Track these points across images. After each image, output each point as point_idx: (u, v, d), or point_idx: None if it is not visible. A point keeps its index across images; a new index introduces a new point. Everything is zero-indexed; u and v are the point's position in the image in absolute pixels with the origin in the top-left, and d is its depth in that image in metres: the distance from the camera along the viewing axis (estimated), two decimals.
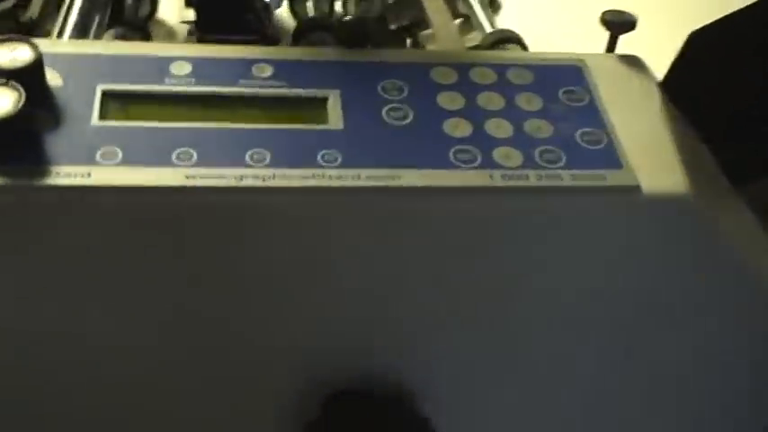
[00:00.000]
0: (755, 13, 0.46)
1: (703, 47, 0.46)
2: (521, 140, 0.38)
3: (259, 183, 0.35)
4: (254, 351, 0.38)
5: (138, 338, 0.37)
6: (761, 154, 0.48)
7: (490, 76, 0.40)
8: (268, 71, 0.39)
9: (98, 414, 0.39)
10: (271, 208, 0.35)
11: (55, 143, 0.34)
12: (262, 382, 0.39)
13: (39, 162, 0.34)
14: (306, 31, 0.51)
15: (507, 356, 0.40)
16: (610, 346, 0.41)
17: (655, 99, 0.42)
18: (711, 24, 0.47)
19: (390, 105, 0.38)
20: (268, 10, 0.51)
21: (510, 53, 0.46)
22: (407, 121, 0.38)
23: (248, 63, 0.39)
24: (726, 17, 0.46)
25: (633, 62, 0.43)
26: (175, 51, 0.39)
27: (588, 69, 0.41)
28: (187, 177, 0.34)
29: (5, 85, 0.34)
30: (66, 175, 0.33)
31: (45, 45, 0.36)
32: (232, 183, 0.34)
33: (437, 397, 0.40)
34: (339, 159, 0.36)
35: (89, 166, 0.34)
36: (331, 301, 0.37)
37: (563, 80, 0.41)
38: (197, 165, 0.35)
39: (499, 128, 0.38)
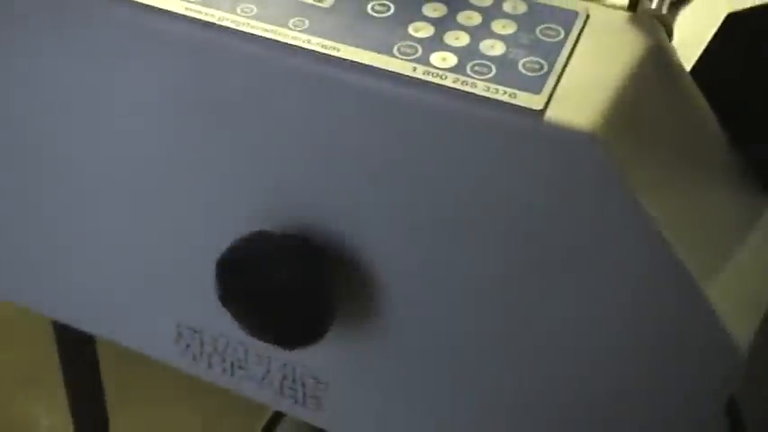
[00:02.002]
0: None
1: (741, 32, 0.45)
2: (466, 51, 0.42)
3: (233, 26, 0.43)
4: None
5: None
6: None
7: (488, 1, 0.44)
8: None
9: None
10: (229, 46, 0.43)
11: None
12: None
13: None
14: None
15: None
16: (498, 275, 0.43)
17: (642, 58, 0.42)
18: (754, 8, 0.45)
19: (380, 1, 0.44)
20: None
21: None
22: (383, 15, 0.44)
23: None
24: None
25: (646, 23, 0.44)
26: None
27: (585, 17, 0.43)
28: (188, 9, 0.44)
29: None
30: None
31: None
32: (221, 21, 0.43)
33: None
34: (306, 25, 0.43)
35: None
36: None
37: (552, 19, 0.43)
38: (204, 3, 0.44)
39: (456, 39, 0.42)
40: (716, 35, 0.46)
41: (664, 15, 0.45)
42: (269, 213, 0.46)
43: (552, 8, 0.44)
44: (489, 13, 0.44)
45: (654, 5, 0.44)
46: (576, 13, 0.44)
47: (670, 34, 0.45)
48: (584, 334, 0.43)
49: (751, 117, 0.46)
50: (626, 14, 0.44)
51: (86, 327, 0.59)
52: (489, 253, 0.43)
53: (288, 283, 0.45)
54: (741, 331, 0.41)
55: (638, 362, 0.42)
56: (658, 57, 0.43)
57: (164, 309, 0.54)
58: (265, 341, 0.47)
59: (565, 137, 0.39)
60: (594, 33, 0.43)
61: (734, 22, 0.45)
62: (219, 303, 0.48)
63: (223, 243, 0.46)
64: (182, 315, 0.54)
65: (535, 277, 0.42)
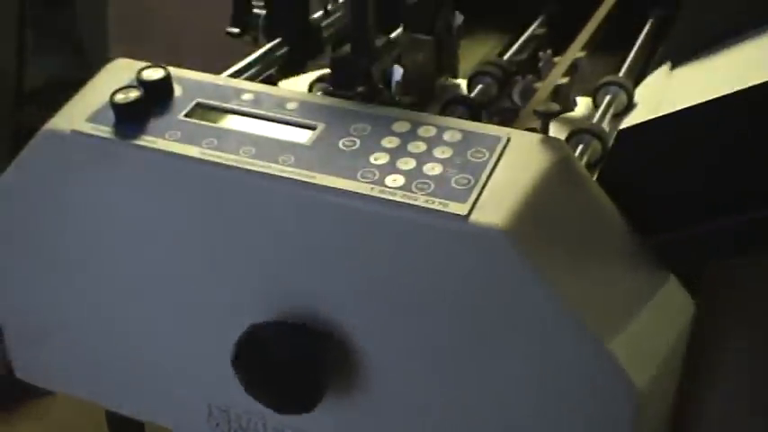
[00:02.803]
0: (684, 117, 0.56)
1: (633, 143, 0.57)
2: (412, 173, 0.55)
3: (238, 165, 0.57)
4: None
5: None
6: (701, 242, 0.57)
7: (432, 131, 0.57)
8: (294, 106, 0.61)
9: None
10: (236, 180, 0.57)
11: (152, 123, 0.60)
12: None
13: (135, 131, 0.60)
14: None
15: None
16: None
17: (550, 170, 0.55)
18: (640, 123, 0.58)
19: (349, 137, 0.58)
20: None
21: (459, 121, 0.61)
22: (351, 149, 0.57)
23: (286, 100, 0.61)
24: (654, 119, 0.57)
25: (553, 142, 0.56)
26: (250, 87, 0.63)
27: (507, 140, 0.56)
28: (203, 154, 0.58)
29: (135, 88, 0.61)
30: (143, 140, 0.59)
31: (183, 72, 0.63)
32: (228, 161, 0.57)
33: None
34: (292, 160, 0.57)
35: (159, 139, 0.59)
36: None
37: (480, 144, 0.56)
38: (215, 148, 0.58)
39: (406, 164, 0.55)
40: (613, 147, 0.58)
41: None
42: (274, 306, 0.58)
43: (481, 135, 0.57)
44: (432, 143, 0.57)
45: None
46: (499, 137, 0.56)
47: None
48: (513, 390, 0.54)
49: (649, 212, 0.57)
50: (539, 136, 0.57)
51: (131, 411, 0.71)
52: (442, 329, 0.55)
53: (287, 362, 0.57)
54: (641, 377, 0.52)
55: (556, 412, 0.54)
56: (564, 168, 0.55)
57: (197, 392, 0.66)
58: (275, 410, 0.59)
59: (484, 234, 0.51)
60: (513, 153, 0.56)
61: (625, 137, 0.58)
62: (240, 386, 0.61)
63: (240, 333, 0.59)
64: (212, 396, 0.66)
65: (475, 345, 0.54)
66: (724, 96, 0.54)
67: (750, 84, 0.54)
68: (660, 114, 0.57)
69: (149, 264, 0.62)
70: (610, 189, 0.57)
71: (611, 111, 0.75)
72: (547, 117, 0.59)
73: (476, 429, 0.57)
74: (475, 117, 0.71)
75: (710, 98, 0.54)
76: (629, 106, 0.76)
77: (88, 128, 0.60)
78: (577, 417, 0.53)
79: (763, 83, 0.53)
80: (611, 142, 0.65)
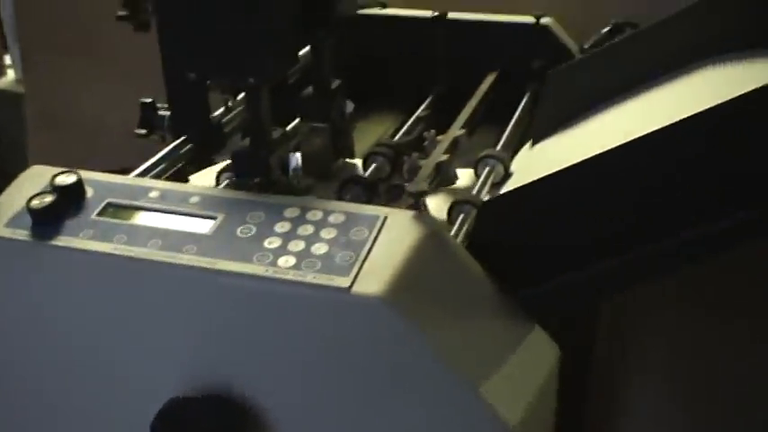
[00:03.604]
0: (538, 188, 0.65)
1: (493, 214, 0.66)
2: (303, 253, 0.62)
3: (147, 257, 0.63)
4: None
5: None
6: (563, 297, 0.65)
7: (319, 215, 0.65)
8: (197, 200, 0.68)
9: None
10: (146, 271, 0.63)
11: (66, 224, 0.66)
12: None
13: (50, 233, 0.66)
14: None
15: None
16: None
17: (423, 242, 0.62)
18: (499, 196, 0.66)
19: (244, 226, 0.65)
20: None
21: (342, 204, 0.68)
22: (247, 235, 0.64)
23: (189, 195, 0.68)
24: (509, 191, 0.66)
25: (424, 218, 0.64)
26: (157, 185, 0.70)
27: (384, 218, 0.64)
28: (115, 249, 0.64)
29: (50, 193, 0.67)
30: (59, 240, 0.65)
31: (94, 175, 0.70)
32: (137, 254, 0.64)
33: None
34: (195, 249, 0.63)
35: (73, 238, 0.66)
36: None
37: (361, 223, 0.64)
38: (126, 243, 0.65)
39: (296, 246, 0.63)
40: (477, 217, 0.66)
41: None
42: (190, 381, 0.65)
43: (362, 215, 0.64)
44: (319, 225, 0.64)
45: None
46: (377, 216, 0.64)
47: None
48: None
49: (512, 270, 0.65)
50: (412, 214, 0.64)
51: None
52: (340, 392, 0.61)
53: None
54: (513, 416, 0.59)
55: None
56: (434, 240, 0.63)
57: None
58: None
59: (365, 303, 0.59)
60: (390, 229, 0.63)
61: (485, 208, 0.66)
62: None
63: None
64: None
65: (369, 403, 0.61)
66: (560, 171, 0.63)
67: (579, 160, 0.62)
68: (511, 189, 0.65)
69: (76, 352, 0.68)
70: (478, 253, 0.65)
71: (491, 181, 0.84)
72: (418, 196, 0.67)
73: None
74: (369, 195, 0.79)
75: (550, 173, 0.63)
76: (507, 176, 0.85)
77: (7, 233, 0.67)
78: None
79: (590, 158, 0.62)
80: None
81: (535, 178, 0.64)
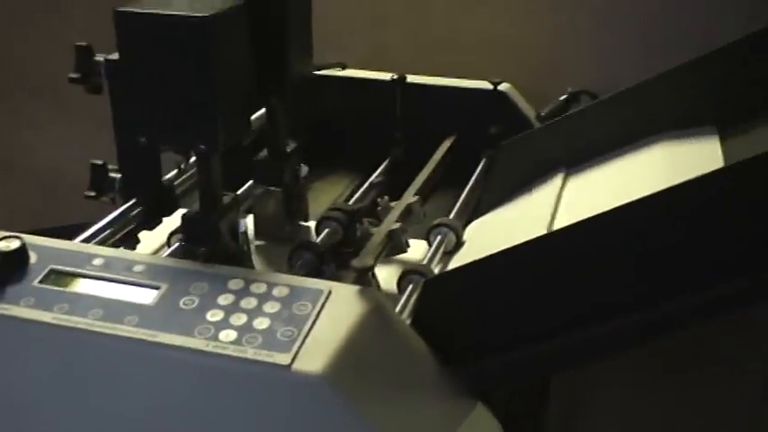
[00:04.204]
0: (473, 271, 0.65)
1: (437, 291, 0.66)
2: (245, 328, 0.61)
3: (87, 327, 0.63)
4: None
5: None
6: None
7: (263, 288, 0.64)
8: (141, 268, 0.67)
9: None
10: (86, 343, 0.62)
11: (6, 290, 0.66)
12: None
13: None
14: None
15: None
16: None
17: (366, 318, 0.62)
18: (441, 275, 0.66)
19: (188, 297, 0.64)
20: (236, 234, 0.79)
21: (287, 277, 0.68)
22: (190, 307, 0.64)
23: (133, 263, 0.68)
24: (451, 270, 0.66)
25: (368, 293, 0.64)
26: (102, 251, 0.69)
27: (328, 293, 0.63)
28: (54, 318, 0.63)
29: None
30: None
31: (37, 240, 0.69)
32: (77, 325, 0.63)
33: None
34: (136, 320, 0.63)
35: (14, 306, 0.65)
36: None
37: (304, 297, 0.63)
38: (66, 312, 0.64)
39: (239, 319, 0.62)
40: (419, 296, 0.66)
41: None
42: None
43: (305, 289, 0.64)
44: (263, 298, 0.64)
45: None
46: (321, 291, 0.64)
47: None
48: None
49: (454, 347, 0.65)
50: (356, 289, 0.64)
51: None
52: None
53: None
54: None
55: None
56: (377, 315, 0.63)
57: None
58: None
59: (304, 381, 0.58)
60: (334, 304, 0.63)
61: (426, 288, 0.66)
62: None
63: None
64: None
65: None
66: (502, 252, 0.63)
67: (521, 240, 0.63)
68: (453, 267, 0.65)
69: (16, 420, 0.67)
70: (422, 328, 0.65)
71: (442, 250, 0.84)
72: (363, 272, 0.67)
73: None
74: (319, 262, 0.79)
75: (490, 253, 0.63)
76: (459, 244, 0.85)
77: None
78: None
79: (534, 239, 0.63)
80: None
81: (477, 257, 0.64)
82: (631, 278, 0.63)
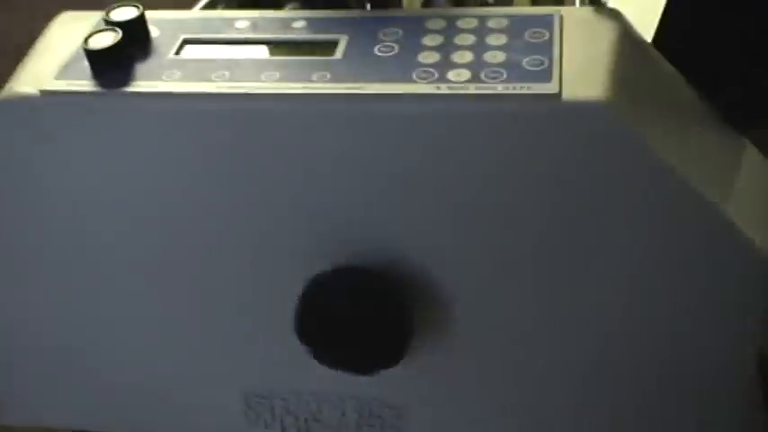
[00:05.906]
0: None
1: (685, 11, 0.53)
2: (475, 65, 0.48)
3: (263, 91, 0.48)
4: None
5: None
6: (754, 99, 0.53)
7: (472, 23, 0.51)
8: (302, 24, 0.52)
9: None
10: (265, 110, 0.48)
11: (140, 67, 0.50)
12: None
13: (124, 78, 0.50)
14: None
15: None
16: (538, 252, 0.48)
17: (617, 40, 0.49)
18: None
19: (383, 43, 0.50)
20: None
21: (498, 8, 0.55)
22: (392, 53, 0.49)
23: (289, 20, 0.53)
24: None
25: (608, 13, 0.51)
26: (242, 14, 0.54)
27: (561, 17, 0.50)
28: (219, 87, 0.48)
29: (110, 30, 0.51)
30: (136, 86, 0.49)
31: (154, 13, 0.53)
32: (253, 90, 0.48)
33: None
34: (328, 76, 0.48)
35: (158, 81, 0.49)
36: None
37: (533, 24, 0.50)
38: (230, 80, 0.49)
39: (462, 57, 0.48)
40: (665, 8, 0.54)
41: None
42: (332, 251, 0.50)
43: (530, 16, 0.51)
44: (480, 32, 0.50)
45: None
46: (552, 16, 0.50)
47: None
48: (628, 281, 0.48)
49: (711, 71, 0.53)
50: (590, 9, 0.51)
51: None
52: (539, 230, 0.48)
53: (365, 314, 0.49)
54: (761, 239, 0.47)
55: (676, 292, 0.48)
56: (628, 38, 0.50)
57: (229, 384, 0.57)
58: (348, 371, 0.50)
59: (582, 110, 0.45)
60: (572, 29, 0.50)
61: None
62: (287, 361, 0.52)
63: (287, 296, 0.50)
64: (249, 385, 0.56)
65: (580, 240, 0.48)
66: None
67: None
68: None
69: (162, 235, 0.52)
70: (669, 55, 0.52)
71: None
72: None
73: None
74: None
75: None
76: None
77: (61, 85, 0.50)
78: (699, 292, 0.48)
79: None
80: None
81: None
82: None
